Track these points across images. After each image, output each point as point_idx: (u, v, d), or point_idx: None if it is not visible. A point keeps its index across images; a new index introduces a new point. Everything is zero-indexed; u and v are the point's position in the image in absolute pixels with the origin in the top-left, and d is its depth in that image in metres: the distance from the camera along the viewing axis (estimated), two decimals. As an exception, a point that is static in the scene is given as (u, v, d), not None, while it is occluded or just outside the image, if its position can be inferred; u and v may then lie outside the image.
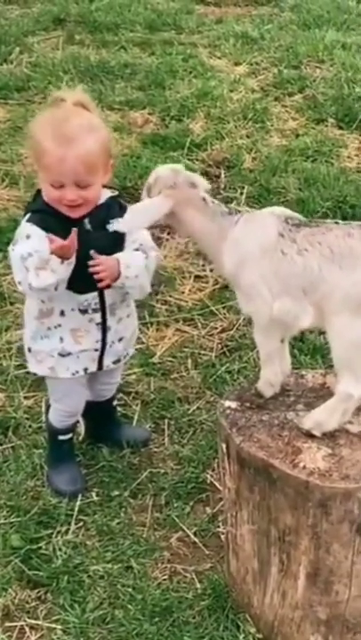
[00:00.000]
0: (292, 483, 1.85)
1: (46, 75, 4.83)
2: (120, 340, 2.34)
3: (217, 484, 2.46)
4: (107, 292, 2.25)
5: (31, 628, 2.14)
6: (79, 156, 2.10)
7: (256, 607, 2.10)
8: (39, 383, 2.84)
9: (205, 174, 4.05)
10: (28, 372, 2.87)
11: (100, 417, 2.58)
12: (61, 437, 2.46)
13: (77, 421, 2.52)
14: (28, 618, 2.16)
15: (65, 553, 2.29)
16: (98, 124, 2.19)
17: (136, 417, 2.73)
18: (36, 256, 2.09)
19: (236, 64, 5.11)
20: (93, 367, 2.33)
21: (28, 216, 2.19)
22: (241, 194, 3.87)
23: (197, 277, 3.40)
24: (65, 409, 2.43)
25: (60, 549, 2.30)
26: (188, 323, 3.17)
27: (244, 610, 2.14)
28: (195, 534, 2.37)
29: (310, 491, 1.84)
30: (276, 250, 1.93)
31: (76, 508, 2.40)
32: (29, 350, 2.34)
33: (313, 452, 1.90)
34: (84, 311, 2.25)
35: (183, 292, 3.31)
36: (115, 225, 2.18)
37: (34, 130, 2.18)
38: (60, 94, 2.23)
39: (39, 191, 2.22)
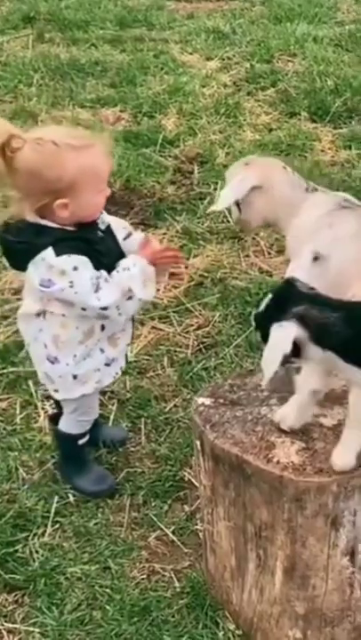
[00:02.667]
0: (267, 478, 1.84)
1: (16, 74, 4.79)
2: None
3: (195, 482, 2.45)
4: None
5: (9, 631, 2.11)
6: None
7: (235, 604, 2.09)
8: (13, 385, 2.82)
9: (178, 170, 4.05)
10: (2, 374, 2.86)
11: None
12: (81, 441, 2.42)
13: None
14: (6, 622, 2.13)
15: (42, 555, 2.27)
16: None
17: (112, 416, 2.71)
18: (138, 270, 2.11)
19: (208, 59, 5.10)
20: (124, 363, 2.34)
21: (52, 250, 2.06)
22: (215, 189, 3.85)
23: (172, 274, 3.38)
24: (88, 418, 2.40)
25: (36, 552, 2.28)
26: (163, 320, 3.15)
27: (223, 607, 2.13)
28: (173, 533, 2.35)
29: (284, 485, 1.83)
30: None
31: (53, 510, 2.37)
32: (75, 377, 2.24)
33: (287, 447, 1.89)
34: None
35: (158, 290, 3.29)
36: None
37: (66, 161, 2.03)
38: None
39: (37, 226, 2.10)
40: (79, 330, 2.19)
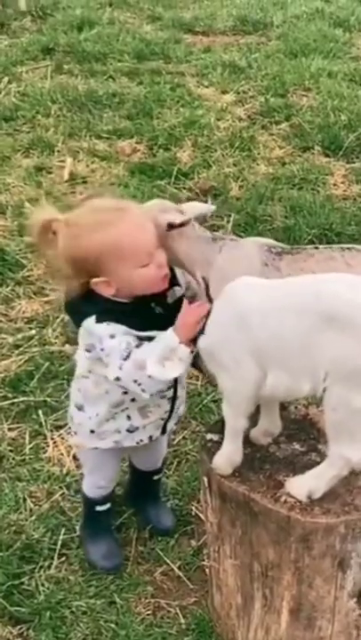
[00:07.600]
0: (274, 517, 1.84)
1: (34, 104, 4.86)
2: (181, 403, 2.24)
3: (202, 517, 2.44)
4: None
5: (12, 666, 2.11)
6: (142, 214, 1.99)
7: (240, 643, 2.08)
8: (23, 415, 2.83)
9: (192, 203, 4.08)
10: (12, 404, 2.88)
11: (140, 485, 2.48)
12: (99, 508, 2.35)
13: (113, 491, 2.39)
14: (10, 655, 2.13)
15: (47, 588, 2.27)
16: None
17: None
18: (161, 346, 1.94)
19: (224, 92, 5.15)
20: (158, 433, 2.23)
21: (94, 318, 2.00)
22: (228, 222, 3.89)
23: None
24: (99, 481, 2.33)
25: (42, 585, 2.28)
26: (173, 352, 3.16)
27: (229, 645, 2.12)
28: (179, 568, 2.35)
29: (292, 525, 1.82)
30: None
31: (59, 543, 2.37)
32: (92, 432, 2.17)
33: (295, 486, 1.89)
34: (159, 391, 2.09)
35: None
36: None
37: (86, 241, 1.96)
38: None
39: (82, 296, 2.03)
40: (108, 395, 2.10)
